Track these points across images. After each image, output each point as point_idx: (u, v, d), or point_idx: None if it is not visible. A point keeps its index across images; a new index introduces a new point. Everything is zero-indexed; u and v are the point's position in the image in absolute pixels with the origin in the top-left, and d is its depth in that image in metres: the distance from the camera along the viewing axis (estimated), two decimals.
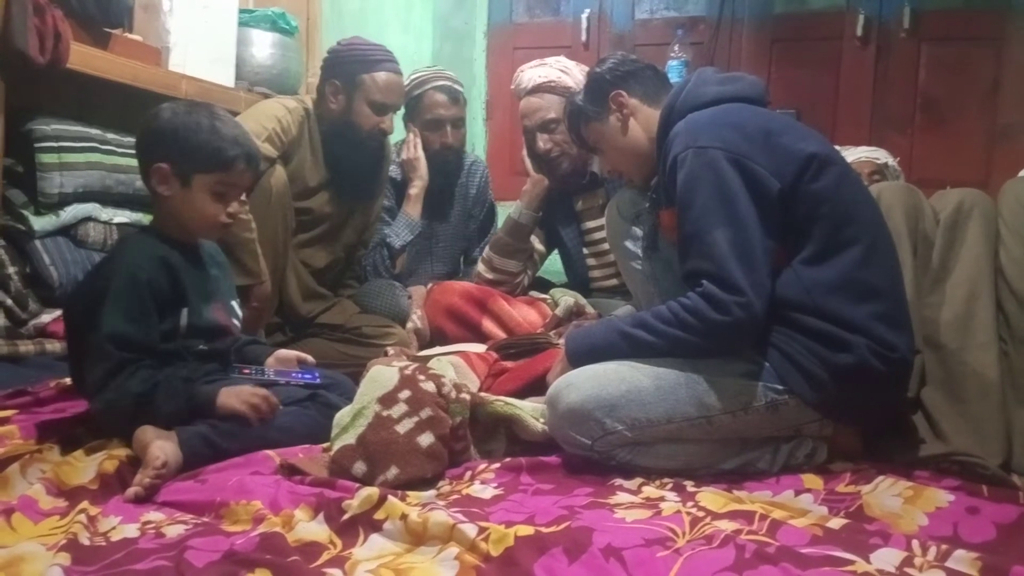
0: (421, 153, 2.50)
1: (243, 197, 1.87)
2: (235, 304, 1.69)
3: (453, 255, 2.73)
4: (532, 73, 2.38)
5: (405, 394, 1.46)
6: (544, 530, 1.12)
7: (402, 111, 2.48)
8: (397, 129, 2.50)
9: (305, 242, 2.25)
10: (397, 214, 2.50)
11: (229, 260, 1.87)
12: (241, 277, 1.91)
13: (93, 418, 1.57)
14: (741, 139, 1.46)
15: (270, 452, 1.45)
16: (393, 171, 2.53)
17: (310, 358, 1.75)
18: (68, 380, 1.70)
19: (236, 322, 1.67)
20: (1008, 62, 3.03)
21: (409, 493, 1.32)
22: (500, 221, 2.66)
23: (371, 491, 1.22)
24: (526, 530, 1.11)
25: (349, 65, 2.19)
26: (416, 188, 2.49)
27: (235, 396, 1.49)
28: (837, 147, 2.68)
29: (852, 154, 2.66)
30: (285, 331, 2.23)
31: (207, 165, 1.54)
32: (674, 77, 2.76)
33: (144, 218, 2.29)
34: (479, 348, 2.01)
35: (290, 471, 1.38)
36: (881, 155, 2.67)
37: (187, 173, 1.54)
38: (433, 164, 2.52)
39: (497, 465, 1.46)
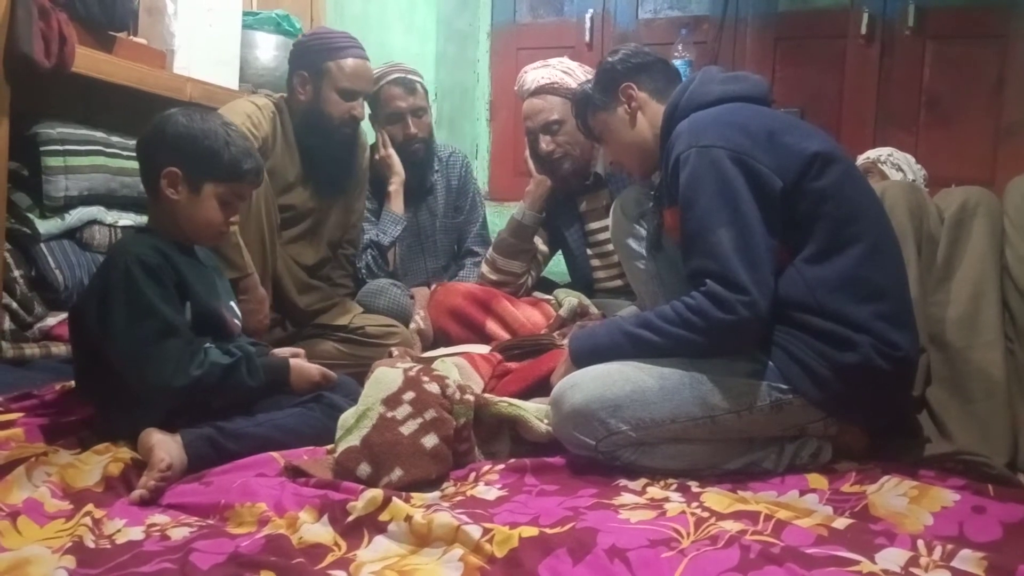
0: (392, 151, 2.54)
1: None
2: (234, 305, 1.70)
3: (445, 249, 2.74)
4: (535, 74, 2.38)
5: (409, 395, 1.46)
6: (548, 531, 1.13)
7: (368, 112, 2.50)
8: (371, 129, 2.51)
9: (291, 239, 2.25)
10: (380, 214, 2.52)
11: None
12: (227, 271, 1.92)
13: (98, 420, 1.58)
14: (744, 138, 1.45)
15: (274, 454, 1.45)
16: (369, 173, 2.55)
17: (301, 351, 1.75)
18: (73, 383, 1.70)
19: (237, 322, 1.68)
20: (1013, 60, 3.02)
21: (413, 495, 1.32)
22: (494, 219, 2.66)
23: (375, 493, 1.22)
24: (530, 531, 1.11)
25: (314, 54, 2.20)
26: (394, 185, 2.52)
27: (304, 380, 1.62)
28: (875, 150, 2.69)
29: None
30: (285, 326, 2.23)
31: (221, 175, 1.56)
32: None
33: None
34: (483, 349, 2.01)
35: (294, 473, 1.39)
36: (874, 152, 2.66)
37: (199, 180, 1.55)
38: (403, 156, 2.54)
39: (501, 466, 1.46)
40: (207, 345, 1.52)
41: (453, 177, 2.72)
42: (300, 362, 1.65)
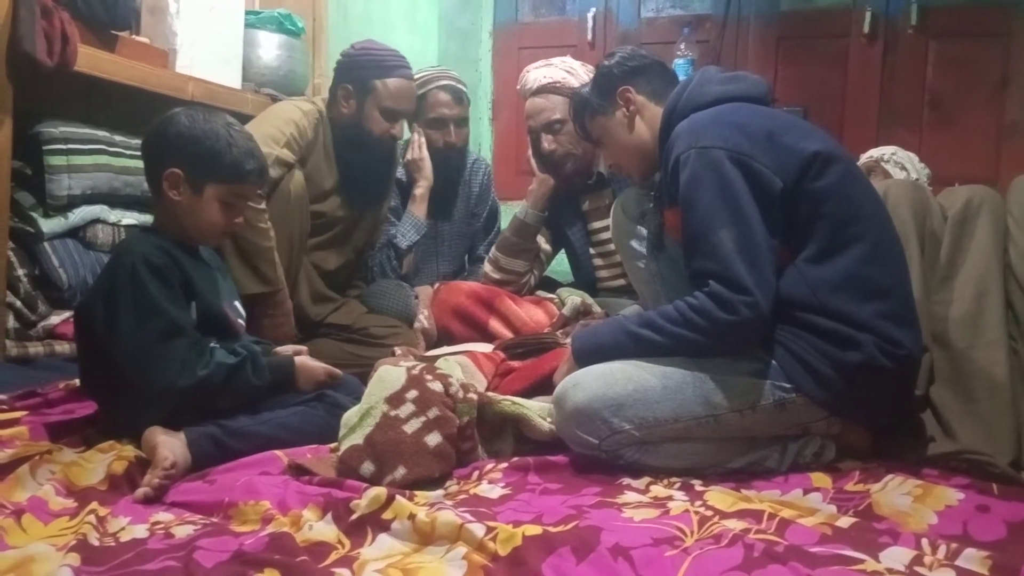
0: (426, 154, 2.52)
1: (262, 205, 1.90)
2: (238, 304, 1.70)
3: (458, 254, 2.74)
4: (537, 74, 2.38)
5: (412, 394, 1.46)
6: (552, 530, 1.12)
7: None
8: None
9: (317, 245, 2.26)
10: (402, 214, 2.51)
11: (247, 268, 1.90)
12: (258, 285, 1.93)
13: (102, 419, 1.58)
14: (743, 138, 1.45)
15: (278, 452, 1.45)
16: (398, 172, 2.55)
17: (304, 348, 1.76)
18: (77, 381, 1.71)
19: (241, 321, 1.68)
20: (1016, 58, 3.02)
21: (417, 493, 1.32)
22: (506, 221, 2.66)
23: (379, 491, 1.22)
24: (534, 530, 1.11)
25: (362, 70, 2.19)
26: (421, 189, 2.51)
27: (309, 378, 1.62)
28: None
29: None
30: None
31: (222, 176, 1.56)
32: (680, 76, 2.77)
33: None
34: (486, 348, 2.01)
35: (298, 471, 1.39)
36: (877, 151, 2.67)
37: (200, 181, 1.55)
38: (436, 163, 2.53)
39: (504, 465, 1.46)
40: (213, 345, 1.52)
41: (475, 184, 2.72)
42: (305, 360, 1.65)
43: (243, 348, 1.57)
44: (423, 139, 2.53)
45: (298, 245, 2.12)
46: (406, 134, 2.56)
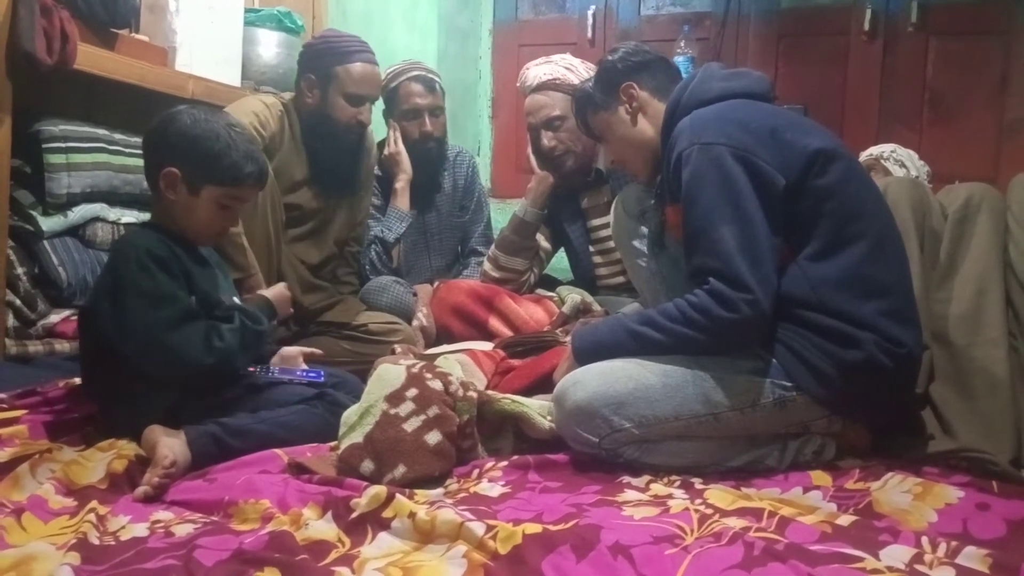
0: (402, 147, 2.54)
1: None
2: (237, 301, 1.70)
3: (450, 247, 2.75)
4: (537, 71, 2.37)
5: (412, 392, 1.46)
6: (552, 528, 1.13)
7: (382, 107, 2.50)
8: (381, 126, 2.52)
9: (296, 237, 2.26)
10: (386, 210, 2.52)
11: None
12: (230, 272, 1.92)
13: (101, 417, 1.58)
14: (746, 135, 1.45)
15: (278, 451, 1.45)
16: (376, 169, 2.56)
17: (317, 351, 1.75)
18: (77, 380, 1.71)
19: None
20: (1016, 56, 3.01)
21: (417, 491, 1.32)
22: (496, 216, 2.66)
23: (379, 489, 1.22)
24: (534, 528, 1.11)
25: (322, 58, 2.19)
26: (401, 182, 2.53)
27: (285, 307, 1.81)
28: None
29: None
30: (289, 325, 2.23)
31: (220, 178, 1.55)
32: (681, 73, 2.78)
33: None
34: (486, 346, 2.01)
35: (298, 470, 1.39)
36: (877, 149, 2.67)
37: (198, 182, 1.55)
38: (415, 154, 2.54)
39: (504, 463, 1.46)
40: (214, 322, 1.54)
41: (460, 176, 2.72)
42: (278, 291, 1.78)
43: (228, 309, 1.59)
44: (398, 133, 2.54)
45: (275, 235, 2.12)
46: (382, 128, 2.56)
